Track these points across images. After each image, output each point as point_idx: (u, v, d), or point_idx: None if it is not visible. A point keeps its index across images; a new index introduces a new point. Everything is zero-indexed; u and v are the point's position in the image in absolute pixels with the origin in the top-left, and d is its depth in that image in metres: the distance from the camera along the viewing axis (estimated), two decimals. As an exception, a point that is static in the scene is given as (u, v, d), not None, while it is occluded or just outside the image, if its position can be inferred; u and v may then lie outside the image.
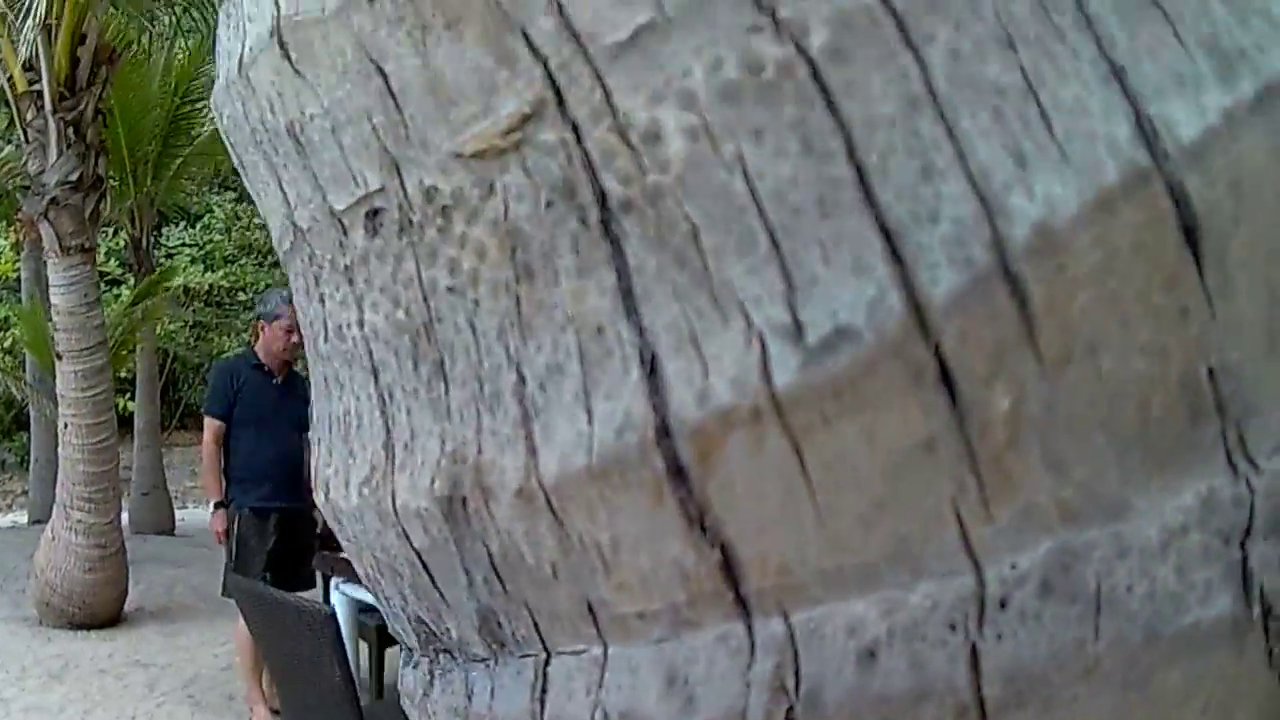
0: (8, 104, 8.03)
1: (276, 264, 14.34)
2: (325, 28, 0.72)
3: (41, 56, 5.69)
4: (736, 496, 0.59)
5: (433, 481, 0.68)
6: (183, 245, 14.06)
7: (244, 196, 15.08)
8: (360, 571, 0.87)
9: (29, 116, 5.88)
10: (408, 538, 0.72)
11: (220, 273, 13.91)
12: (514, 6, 0.62)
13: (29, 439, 11.80)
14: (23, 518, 11.23)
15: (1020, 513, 0.60)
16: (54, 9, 5.59)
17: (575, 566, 0.64)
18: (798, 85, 0.58)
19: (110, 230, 13.96)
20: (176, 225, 14.12)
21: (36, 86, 5.82)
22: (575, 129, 0.61)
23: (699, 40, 0.59)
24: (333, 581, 4.25)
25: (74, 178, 5.75)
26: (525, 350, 0.64)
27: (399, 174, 0.70)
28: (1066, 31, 0.59)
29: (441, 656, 0.78)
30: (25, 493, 12.93)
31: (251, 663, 4.46)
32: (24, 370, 10.73)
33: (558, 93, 0.62)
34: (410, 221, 0.69)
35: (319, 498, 0.86)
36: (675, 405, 0.59)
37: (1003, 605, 0.59)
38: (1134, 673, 0.60)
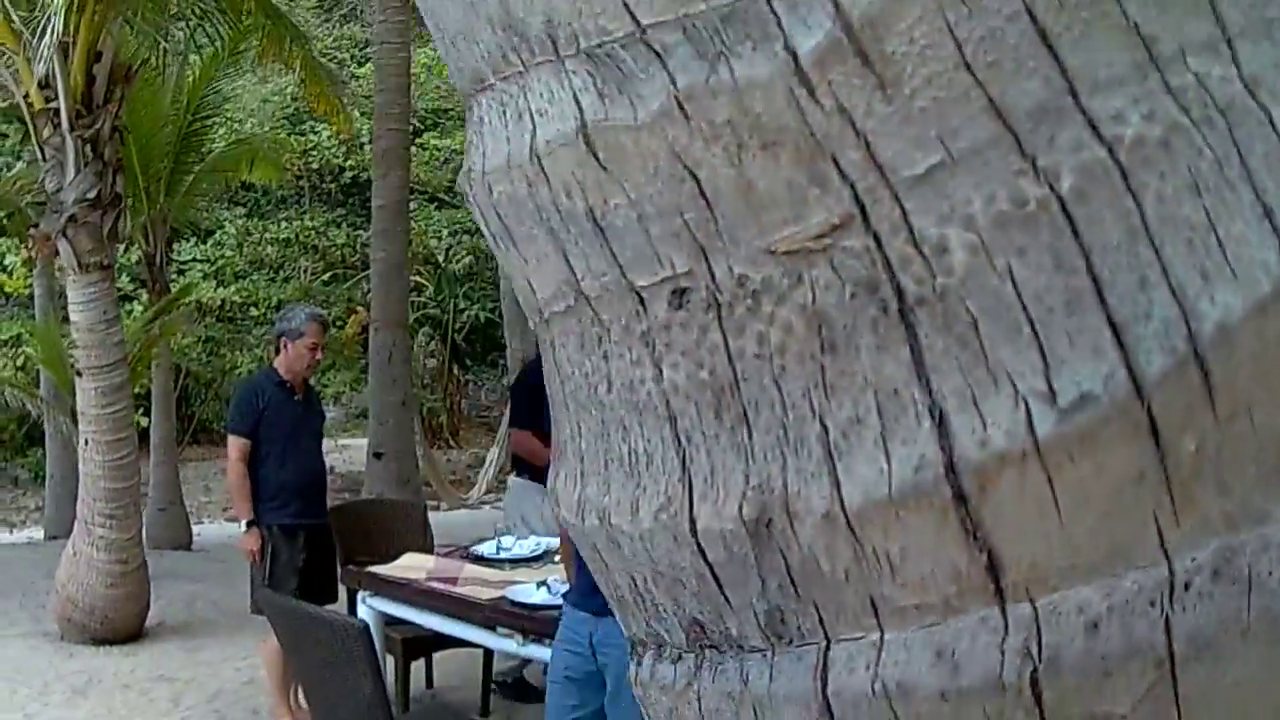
0: (21, 121, 8.13)
1: (289, 278, 14.39)
2: (638, 134, 0.87)
3: (58, 74, 5.81)
4: (1003, 514, 0.81)
5: (740, 508, 0.89)
6: (194, 261, 14.16)
7: (254, 212, 15.14)
8: (618, 584, 1.05)
9: (46, 134, 6.00)
10: (703, 554, 0.93)
11: (232, 288, 14.02)
12: (827, 139, 0.83)
13: (43, 455, 11.74)
14: (38, 533, 11.22)
15: (1198, 522, 0.83)
16: (70, 27, 5.70)
17: (865, 572, 0.85)
18: (1051, 217, 0.80)
19: (122, 246, 13.96)
20: (188, 241, 14.23)
21: (53, 104, 5.93)
22: (877, 239, 0.82)
23: (977, 178, 0.81)
24: (359, 595, 4.40)
25: (92, 195, 5.89)
26: (828, 406, 0.85)
27: (707, 261, 0.88)
28: (1235, 182, 0.83)
29: (709, 651, 0.98)
30: (40, 509, 12.90)
31: (279, 677, 4.59)
32: (38, 386, 10.72)
33: (862, 210, 0.83)
34: (717, 301, 0.89)
35: (587, 523, 1.03)
36: (960, 449, 0.81)
37: (1186, 587, 0.83)
38: (1274, 633, 0.85)
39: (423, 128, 16.30)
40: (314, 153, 14.94)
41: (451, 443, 13.90)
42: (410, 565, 4.39)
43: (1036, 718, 0.83)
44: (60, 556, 7.93)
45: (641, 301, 0.93)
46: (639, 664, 1.06)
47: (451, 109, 17.33)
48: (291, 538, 4.55)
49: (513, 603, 3.76)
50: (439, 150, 16.26)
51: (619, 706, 3.01)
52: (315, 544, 4.56)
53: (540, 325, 1.07)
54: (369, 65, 18.14)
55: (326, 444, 14.93)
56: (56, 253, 11.23)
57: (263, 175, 10.87)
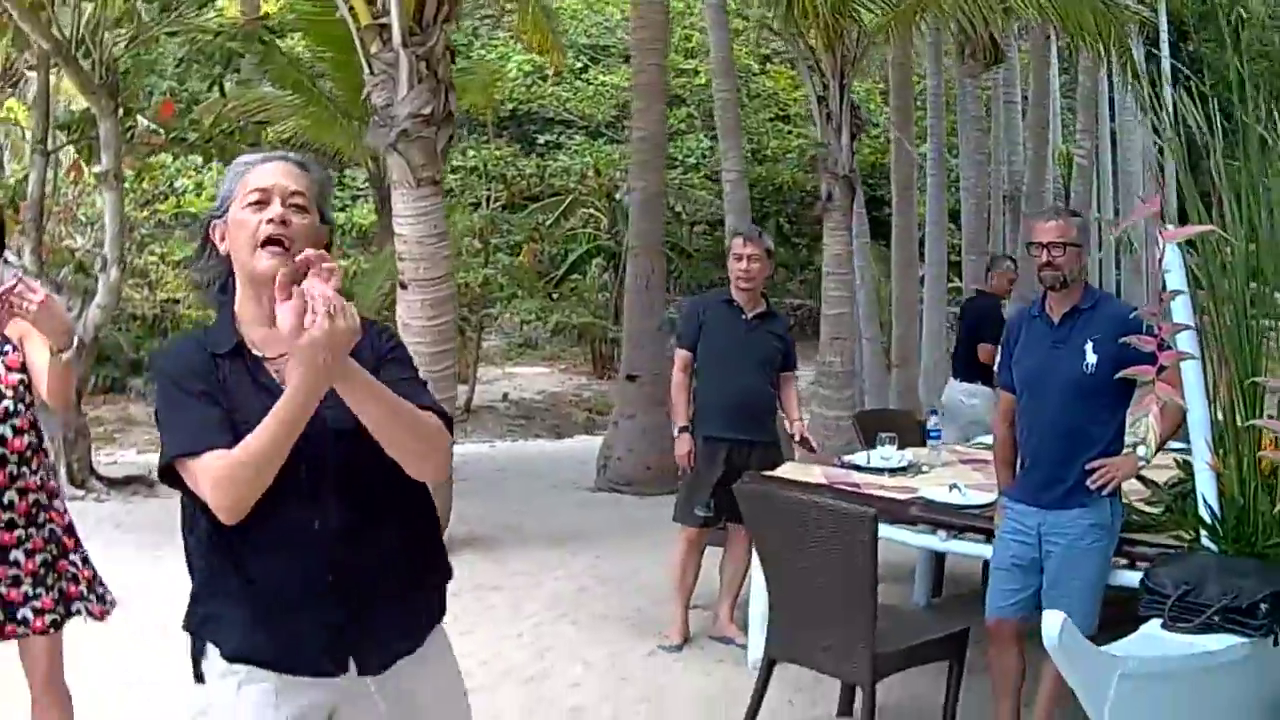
0: (263, 41, 8.11)
1: (466, 206, 14.34)
2: None
3: (392, -9, 5.76)
4: None
5: None
6: (370, 186, 14.22)
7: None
8: None
9: (374, 49, 6.00)
10: None
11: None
12: None
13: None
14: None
15: None
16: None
17: None
18: None
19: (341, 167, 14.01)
20: (359, 167, 14.28)
21: (382, 20, 5.92)
22: None
23: None
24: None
25: (426, 111, 5.89)
26: None
27: None
28: None
29: None
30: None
31: (685, 584, 4.72)
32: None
33: None
34: None
35: None
36: None
37: None
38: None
39: (588, 63, 16.21)
40: (499, 84, 14.92)
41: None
42: (802, 472, 4.53)
43: None
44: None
45: None
46: None
47: (612, 45, 17.19)
48: (712, 450, 4.61)
49: (930, 502, 4.01)
50: (605, 85, 16.16)
51: (1058, 590, 3.34)
52: (737, 460, 4.61)
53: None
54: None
55: (494, 371, 14.98)
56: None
57: (472, 102, 10.86)
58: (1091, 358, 3.34)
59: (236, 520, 1.68)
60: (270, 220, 1.74)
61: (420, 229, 5.86)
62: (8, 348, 2.65)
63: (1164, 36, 15.63)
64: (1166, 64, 14.86)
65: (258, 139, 9.56)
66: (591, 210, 14.82)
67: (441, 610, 1.98)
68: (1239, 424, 3.26)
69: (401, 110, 5.81)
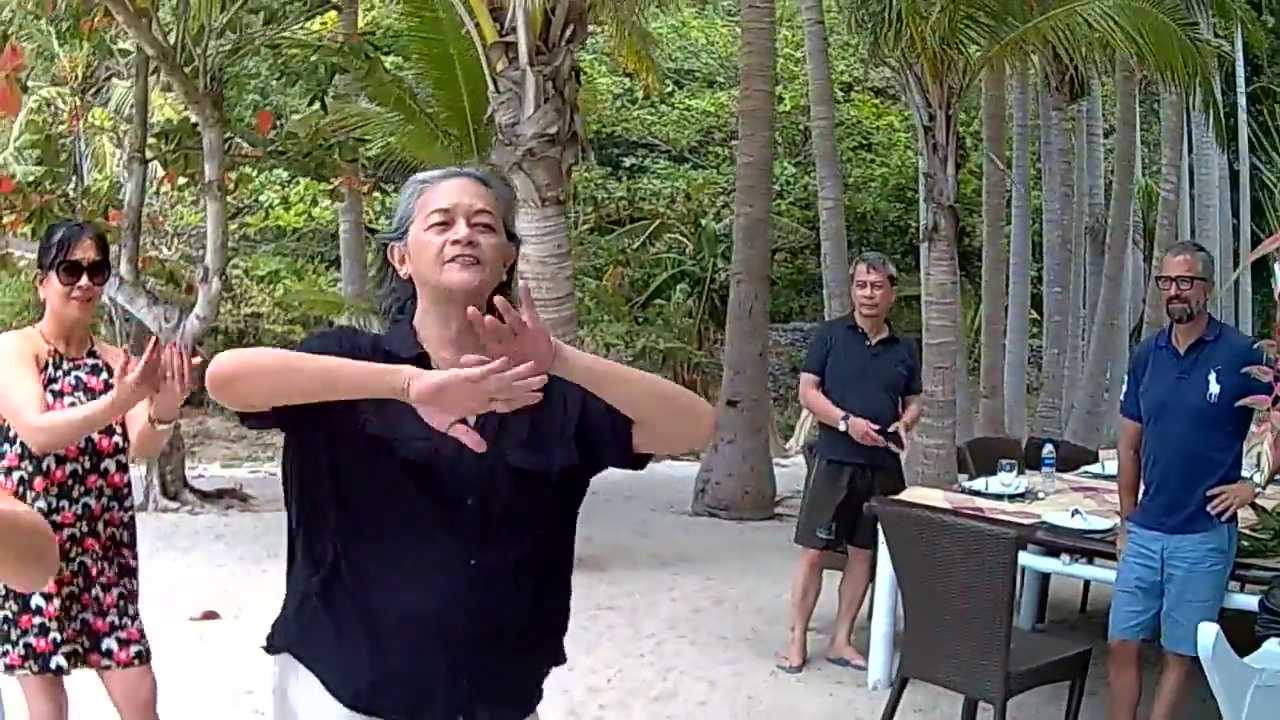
0: (367, 56, 8.17)
1: (596, 230, 14.48)
2: None
3: (519, 11, 5.90)
4: None
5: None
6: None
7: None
8: None
9: (499, 67, 6.11)
10: None
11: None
12: None
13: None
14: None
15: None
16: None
17: None
18: None
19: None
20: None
21: (508, 39, 6.03)
22: None
23: None
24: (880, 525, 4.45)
25: (551, 131, 5.99)
26: None
27: None
28: None
29: None
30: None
31: (805, 604, 4.73)
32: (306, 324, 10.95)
33: None
34: None
35: None
36: None
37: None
38: None
39: (673, 87, 16.36)
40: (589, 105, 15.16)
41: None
42: (925, 496, 4.58)
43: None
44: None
45: None
46: None
47: (695, 70, 17.35)
48: (836, 472, 4.64)
49: (1054, 527, 4.11)
50: (691, 110, 16.28)
51: (1179, 612, 3.46)
52: (860, 484, 4.63)
53: None
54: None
55: (574, 393, 15.17)
56: (371, 190, 11.51)
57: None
58: (1215, 387, 3.44)
59: (215, 392, 1.56)
60: (456, 242, 1.64)
61: (544, 248, 5.96)
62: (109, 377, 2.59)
63: (1239, 70, 15.40)
64: (1242, 97, 14.67)
65: (356, 155, 9.68)
66: (677, 235, 14.93)
67: (539, 695, 1.82)
68: (1350, 455, 3.35)
69: (527, 130, 5.92)
